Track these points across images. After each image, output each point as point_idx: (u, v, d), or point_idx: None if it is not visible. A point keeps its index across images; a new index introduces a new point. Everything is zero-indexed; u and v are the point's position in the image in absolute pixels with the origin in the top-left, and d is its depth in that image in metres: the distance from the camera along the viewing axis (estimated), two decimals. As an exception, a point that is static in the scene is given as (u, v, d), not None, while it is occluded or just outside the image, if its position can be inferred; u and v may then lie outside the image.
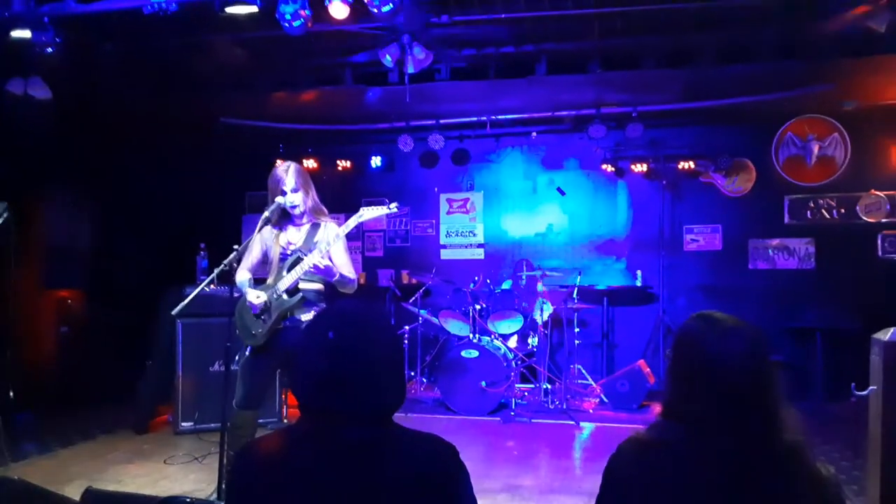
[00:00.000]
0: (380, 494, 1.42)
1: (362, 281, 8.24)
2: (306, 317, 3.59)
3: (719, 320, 1.58)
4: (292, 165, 3.66)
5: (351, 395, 1.47)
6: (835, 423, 5.45)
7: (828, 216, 7.27)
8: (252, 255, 3.78)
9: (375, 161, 8.14)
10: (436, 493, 1.45)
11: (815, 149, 7.31)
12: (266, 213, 3.62)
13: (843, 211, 7.22)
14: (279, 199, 3.62)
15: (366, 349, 1.51)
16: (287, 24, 4.14)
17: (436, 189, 8.42)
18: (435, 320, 6.98)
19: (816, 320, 6.85)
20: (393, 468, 1.44)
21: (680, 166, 7.50)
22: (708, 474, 1.45)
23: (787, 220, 7.39)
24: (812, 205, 7.32)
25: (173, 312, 3.74)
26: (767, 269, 7.42)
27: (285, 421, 5.79)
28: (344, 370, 1.47)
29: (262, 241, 3.75)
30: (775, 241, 7.40)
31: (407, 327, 7.00)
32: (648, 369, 6.64)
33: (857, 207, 7.14)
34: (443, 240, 8.40)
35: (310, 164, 8.04)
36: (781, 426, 1.48)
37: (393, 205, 3.69)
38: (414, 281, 7.79)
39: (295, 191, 3.62)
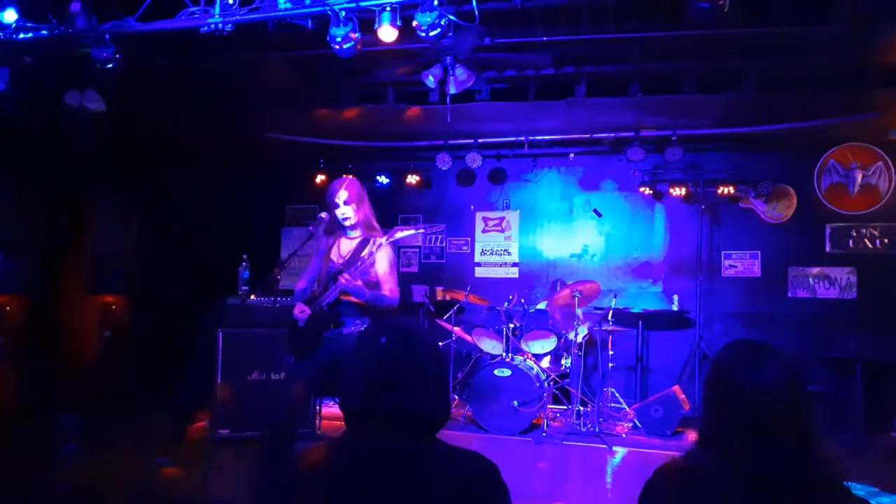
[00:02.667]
0: (421, 508, 1.47)
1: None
2: (348, 329, 3.70)
3: (755, 348, 1.59)
4: (348, 179, 3.83)
5: (398, 398, 1.52)
6: (874, 457, 5.33)
7: (870, 246, 7.14)
8: (312, 268, 3.93)
9: (413, 178, 8.25)
10: (476, 510, 1.49)
11: (859, 177, 7.20)
12: (310, 228, 3.79)
13: (886, 241, 7.08)
14: (322, 214, 3.78)
15: (415, 357, 1.58)
16: (338, 47, 4.26)
17: (472, 207, 8.49)
18: (468, 338, 7.01)
19: (857, 351, 6.70)
20: (435, 483, 1.48)
21: (719, 191, 7.44)
22: (741, 504, 1.46)
23: (828, 248, 7.28)
24: (854, 234, 7.19)
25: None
26: (807, 297, 7.30)
27: (319, 432, 5.86)
28: (393, 372, 1.54)
29: (318, 252, 3.90)
30: (816, 270, 7.29)
31: (440, 344, 7.03)
32: (683, 396, 6.56)
33: (902, 238, 7.01)
34: (477, 258, 8.44)
35: (349, 179, 8.18)
36: (817, 456, 1.49)
37: (425, 227, 3.97)
38: (448, 298, 7.84)
39: (347, 203, 3.76)
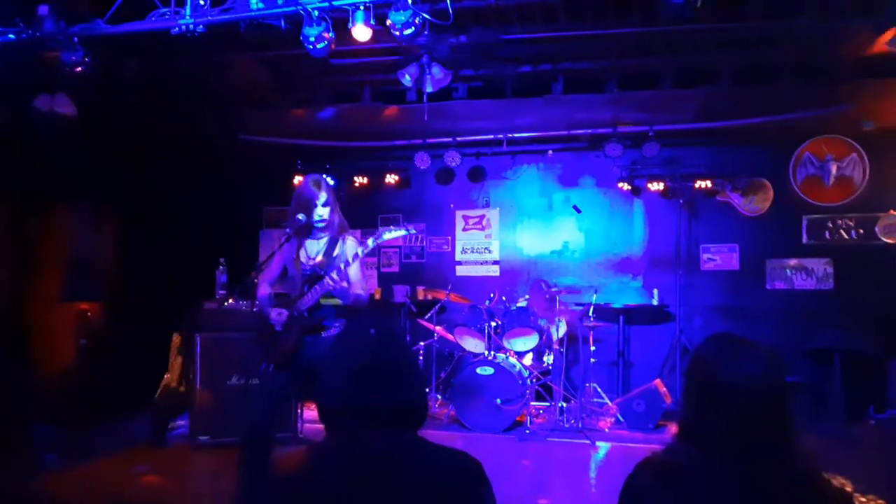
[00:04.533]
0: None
1: (377, 296, 8.28)
2: (328, 333, 3.64)
3: (734, 342, 1.60)
4: (322, 180, 3.71)
5: (383, 390, 1.54)
6: (853, 446, 5.37)
7: (846, 237, 7.23)
8: (272, 271, 3.83)
9: (392, 177, 8.21)
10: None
11: (834, 169, 7.28)
12: (288, 230, 3.70)
13: (861, 231, 7.17)
14: (300, 216, 3.66)
15: (399, 350, 1.64)
16: (311, 47, 4.22)
17: (451, 206, 8.47)
18: (450, 337, 6.99)
19: (835, 341, 6.77)
20: (418, 480, 1.48)
21: (697, 185, 7.49)
22: (722, 498, 1.46)
23: (805, 240, 7.36)
24: (830, 225, 7.28)
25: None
26: (785, 289, 7.37)
27: (301, 435, 5.81)
28: (381, 363, 1.57)
29: (283, 256, 3.80)
30: (793, 262, 7.36)
31: (422, 343, 7.02)
32: (665, 389, 6.60)
33: (876, 228, 7.10)
34: (458, 256, 8.43)
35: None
36: (796, 449, 1.49)
37: (412, 228, 3.79)
38: (429, 297, 7.82)
39: (326, 205, 3.67)
